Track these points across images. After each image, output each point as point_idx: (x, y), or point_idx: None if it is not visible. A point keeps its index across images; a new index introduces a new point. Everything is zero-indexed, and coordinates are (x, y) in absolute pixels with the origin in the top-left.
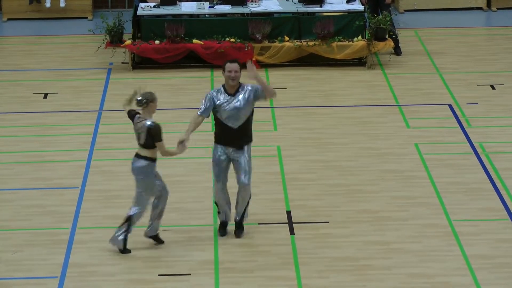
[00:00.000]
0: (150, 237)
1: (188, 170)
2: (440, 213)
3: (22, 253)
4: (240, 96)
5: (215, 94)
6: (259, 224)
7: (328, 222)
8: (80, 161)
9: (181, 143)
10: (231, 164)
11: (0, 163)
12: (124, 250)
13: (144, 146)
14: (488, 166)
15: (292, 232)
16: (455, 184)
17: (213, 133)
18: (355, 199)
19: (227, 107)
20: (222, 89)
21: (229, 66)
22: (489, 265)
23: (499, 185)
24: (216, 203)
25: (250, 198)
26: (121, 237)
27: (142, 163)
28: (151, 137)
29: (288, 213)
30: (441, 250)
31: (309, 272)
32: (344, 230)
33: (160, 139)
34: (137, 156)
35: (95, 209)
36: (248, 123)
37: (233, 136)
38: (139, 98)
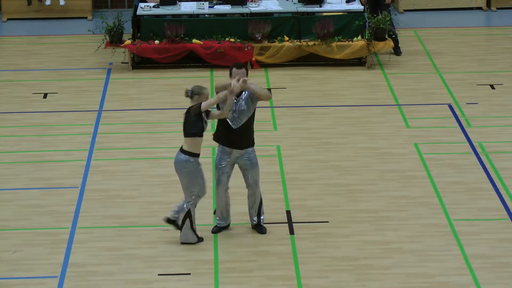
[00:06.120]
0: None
1: None
2: (440, 212)
3: (22, 252)
4: (244, 99)
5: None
6: None
7: (328, 222)
8: (80, 161)
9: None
10: (233, 168)
11: (0, 163)
12: (199, 239)
13: (184, 134)
14: (488, 166)
15: (292, 231)
16: (454, 184)
17: (213, 134)
18: (355, 199)
19: (232, 108)
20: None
21: (237, 72)
22: (489, 264)
23: (498, 184)
24: (215, 212)
25: (261, 198)
26: (191, 234)
27: (182, 157)
28: (190, 119)
29: (288, 212)
30: (441, 250)
31: (308, 271)
32: (344, 230)
33: (199, 105)
34: (180, 149)
35: (95, 209)
36: (248, 124)
37: (234, 136)
38: (187, 89)
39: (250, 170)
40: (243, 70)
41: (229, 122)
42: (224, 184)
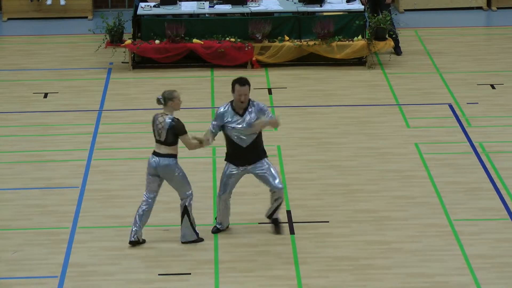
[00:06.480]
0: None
1: (187, 170)
2: (440, 212)
3: (22, 252)
4: (248, 117)
5: (223, 111)
6: (259, 223)
7: (328, 221)
8: (80, 160)
9: (207, 140)
10: (241, 178)
11: (0, 163)
12: (198, 239)
13: (164, 143)
14: (488, 166)
15: (292, 231)
16: (455, 184)
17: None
18: (355, 199)
19: (236, 127)
20: (230, 107)
21: (240, 89)
22: (489, 264)
23: (499, 184)
24: (216, 219)
25: (282, 200)
26: (189, 233)
27: (166, 161)
28: (174, 133)
29: (288, 212)
30: (441, 249)
31: (309, 271)
32: (344, 229)
33: (184, 133)
34: (158, 155)
35: (95, 208)
36: (257, 139)
37: (244, 154)
38: (158, 97)
39: (267, 177)
40: (246, 87)
41: (237, 142)
42: (227, 194)
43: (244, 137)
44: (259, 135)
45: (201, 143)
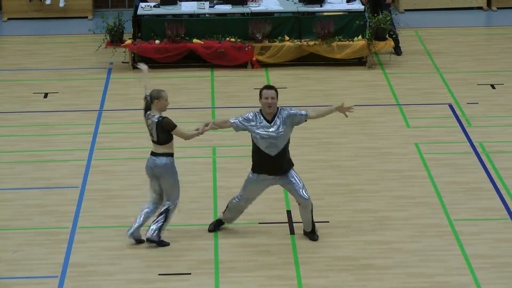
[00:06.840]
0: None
1: (187, 170)
2: (440, 212)
3: (22, 252)
4: (278, 123)
5: (251, 116)
6: (259, 223)
7: (328, 221)
8: (80, 160)
9: (206, 125)
10: (267, 188)
11: (0, 163)
12: (160, 242)
13: (158, 142)
14: (488, 166)
15: (292, 231)
16: (455, 184)
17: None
18: (355, 199)
19: (264, 135)
20: (260, 113)
21: (266, 92)
22: (489, 264)
23: (499, 184)
24: (227, 207)
25: (313, 208)
26: (157, 232)
27: (163, 160)
28: (164, 130)
29: (288, 212)
30: (441, 249)
31: (309, 271)
32: (344, 229)
33: (174, 126)
34: (155, 155)
35: (95, 208)
36: (285, 148)
37: (272, 163)
38: (146, 94)
39: (292, 188)
40: (273, 91)
41: (265, 151)
42: (248, 202)
43: (274, 145)
44: (287, 144)
45: (197, 130)
